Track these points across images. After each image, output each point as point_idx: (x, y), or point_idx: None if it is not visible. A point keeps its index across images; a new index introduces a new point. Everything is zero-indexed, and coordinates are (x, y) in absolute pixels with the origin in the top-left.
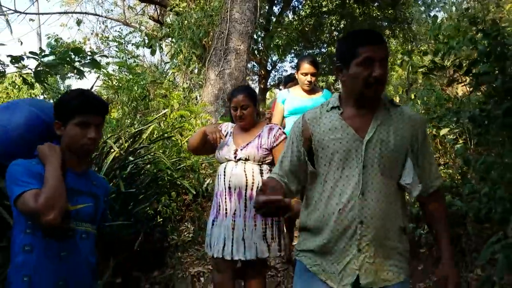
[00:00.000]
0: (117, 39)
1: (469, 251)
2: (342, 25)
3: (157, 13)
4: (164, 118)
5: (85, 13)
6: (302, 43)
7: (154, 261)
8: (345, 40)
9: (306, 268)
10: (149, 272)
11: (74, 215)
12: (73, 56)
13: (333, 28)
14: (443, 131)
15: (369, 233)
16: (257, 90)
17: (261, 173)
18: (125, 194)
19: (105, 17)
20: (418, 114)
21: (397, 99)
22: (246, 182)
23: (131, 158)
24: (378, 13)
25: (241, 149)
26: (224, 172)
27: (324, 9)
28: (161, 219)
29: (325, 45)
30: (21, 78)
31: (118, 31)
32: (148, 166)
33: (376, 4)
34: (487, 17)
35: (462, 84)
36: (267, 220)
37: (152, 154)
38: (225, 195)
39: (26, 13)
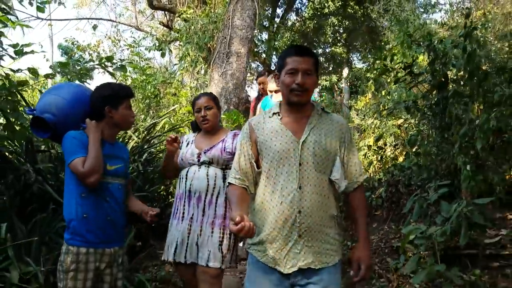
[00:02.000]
0: (132, 44)
1: (402, 206)
2: (344, 26)
3: (167, 18)
4: (174, 113)
5: (100, 18)
6: (305, 43)
7: (167, 232)
8: (282, 53)
9: (257, 260)
10: (162, 241)
11: (113, 173)
12: (106, 62)
13: (335, 28)
14: (393, 122)
15: (307, 221)
16: None
17: (224, 178)
18: (144, 175)
19: (119, 22)
20: (344, 120)
21: (369, 95)
22: (207, 187)
23: (146, 147)
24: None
25: (205, 152)
26: (186, 175)
27: (326, 10)
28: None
29: (327, 46)
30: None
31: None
32: (160, 154)
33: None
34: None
35: (407, 82)
36: (225, 229)
37: (164, 143)
38: (185, 198)
39: (48, 19)
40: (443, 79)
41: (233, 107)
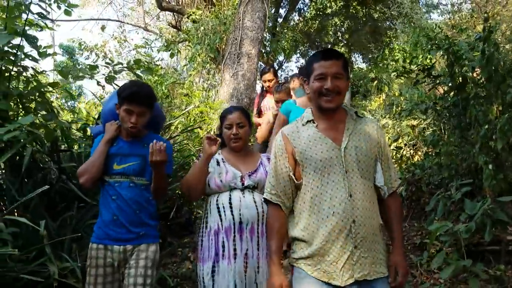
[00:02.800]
0: (141, 45)
1: (424, 204)
2: (346, 26)
3: (175, 19)
4: (188, 114)
5: (108, 19)
6: (307, 43)
7: (183, 230)
8: (309, 58)
9: (307, 274)
10: (180, 238)
11: (121, 172)
12: (134, 65)
13: (337, 28)
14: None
15: (361, 230)
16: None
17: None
18: None
19: (127, 23)
20: (378, 123)
21: (383, 95)
22: (258, 215)
23: None
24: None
25: (249, 175)
26: (230, 203)
27: (329, 10)
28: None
29: (329, 46)
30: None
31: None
32: (175, 154)
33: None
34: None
35: (425, 84)
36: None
37: (178, 143)
38: (234, 232)
39: (57, 20)
40: (461, 81)
41: (245, 107)
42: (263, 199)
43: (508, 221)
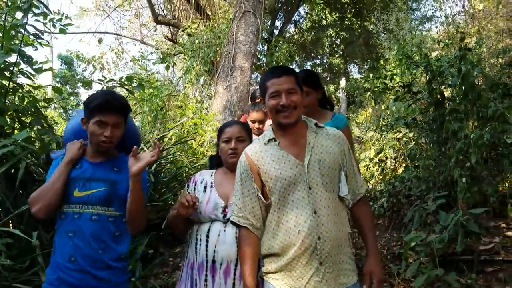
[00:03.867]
0: (137, 58)
1: (404, 215)
2: (341, 38)
3: (171, 33)
4: (181, 126)
5: (106, 32)
6: (303, 54)
7: (175, 241)
8: (261, 79)
9: None
10: (172, 248)
11: (82, 200)
12: (125, 81)
13: (332, 40)
14: (392, 135)
15: (327, 246)
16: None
17: None
18: (154, 185)
19: (124, 36)
20: (339, 131)
21: (369, 109)
22: (237, 255)
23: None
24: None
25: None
26: (207, 236)
27: (324, 22)
28: None
29: (325, 57)
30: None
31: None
32: (169, 165)
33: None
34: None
35: (406, 100)
36: None
37: (171, 154)
38: (206, 270)
39: (54, 33)
40: (439, 97)
41: (238, 119)
42: (230, 222)
43: (481, 232)
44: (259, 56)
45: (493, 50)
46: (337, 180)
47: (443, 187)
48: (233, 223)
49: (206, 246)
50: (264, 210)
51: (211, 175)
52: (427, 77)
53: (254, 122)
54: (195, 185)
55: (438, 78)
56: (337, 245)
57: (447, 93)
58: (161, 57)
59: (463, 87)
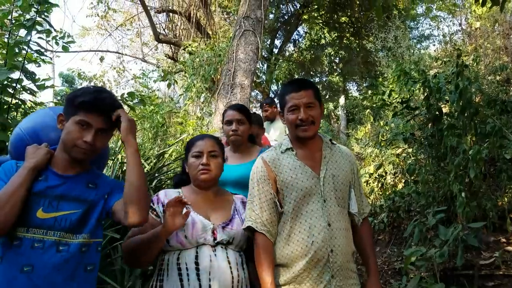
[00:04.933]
0: (139, 76)
1: (404, 230)
2: (340, 56)
3: (172, 51)
4: (181, 142)
5: (107, 51)
6: (302, 72)
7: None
8: (280, 91)
9: None
10: None
11: (50, 224)
12: (127, 97)
13: (331, 59)
14: (391, 151)
15: (338, 259)
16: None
17: (242, 265)
18: None
19: (126, 54)
20: (350, 151)
21: (368, 125)
22: (232, 281)
23: (156, 175)
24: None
25: (223, 227)
26: (197, 264)
27: (323, 41)
28: None
29: (324, 75)
30: None
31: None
32: (169, 181)
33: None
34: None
35: (404, 115)
36: None
37: (172, 171)
38: None
39: (56, 51)
40: (437, 113)
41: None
42: (246, 227)
43: (480, 246)
44: (259, 73)
45: (490, 68)
46: (347, 197)
47: (442, 202)
48: (249, 228)
49: (198, 275)
50: (278, 218)
51: (179, 192)
52: (425, 93)
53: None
54: (162, 206)
55: (436, 94)
56: (346, 260)
57: (445, 109)
58: (162, 74)
59: (461, 103)
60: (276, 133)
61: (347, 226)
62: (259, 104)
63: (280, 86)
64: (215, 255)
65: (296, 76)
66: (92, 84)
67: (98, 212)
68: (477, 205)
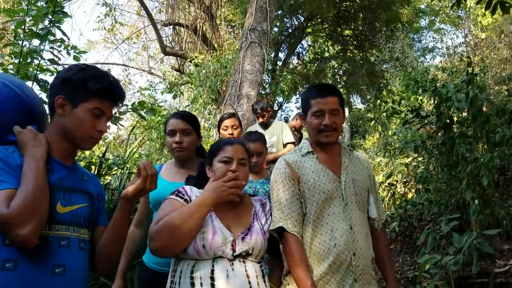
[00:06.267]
0: (145, 87)
1: (417, 239)
2: (343, 69)
3: (178, 63)
4: None
5: (114, 63)
6: (306, 85)
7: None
8: (306, 90)
9: None
10: None
11: (68, 220)
12: (138, 106)
13: (335, 71)
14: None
15: (361, 263)
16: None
17: (263, 277)
18: None
19: (132, 67)
20: (367, 157)
21: (377, 135)
22: None
23: None
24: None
25: (243, 237)
26: (212, 278)
27: (326, 54)
28: None
29: None
30: None
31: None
32: None
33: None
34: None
35: (415, 124)
36: None
37: None
38: None
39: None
40: (448, 121)
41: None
42: (277, 228)
43: (495, 254)
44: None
45: (497, 78)
46: (366, 202)
47: (455, 210)
48: (280, 229)
49: None
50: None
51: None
52: (435, 101)
53: (253, 155)
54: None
55: (446, 102)
56: (367, 264)
57: (455, 117)
58: (169, 86)
59: (471, 111)
60: (272, 139)
61: (367, 230)
62: (252, 108)
63: (284, 98)
64: (233, 269)
65: (300, 89)
66: None
67: (97, 210)
68: (490, 213)
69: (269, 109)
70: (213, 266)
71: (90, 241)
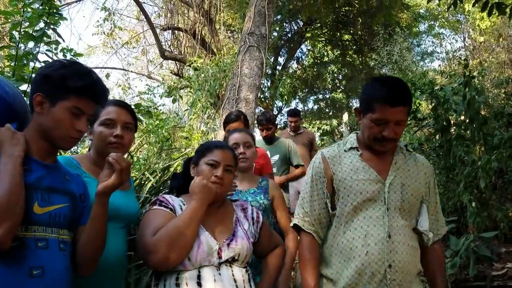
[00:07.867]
0: (144, 91)
1: None
2: (343, 74)
3: (177, 67)
4: (186, 156)
5: (113, 68)
6: (305, 89)
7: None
8: (371, 86)
9: None
10: None
11: (46, 220)
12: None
13: (334, 76)
14: None
15: (398, 277)
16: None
17: (250, 281)
18: None
19: (131, 71)
20: (428, 162)
21: None
22: None
23: (161, 188)
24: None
25: (228, 244)
26: (199, 285)
27: (326, 59)
28: None
29: (327, 92)
30: None
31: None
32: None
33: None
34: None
35: (412, 126)
36: None
37: None
38: None
39: None
40: (445, 124)
41: None
42: (292, 225)
43: (492, 257)
44: (263, 89)
45: (496, 81)
46: (416, 211)
47: (452, 213)
48: (295, 226)
49: None
50: (328, 220)
51: (180, 203)
52: (432, 103)
53: (238, 144)
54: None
55: (444, 105)
56: (409, 279)
57: (452, 120)
58: (168, 90)
59: (469, 113)
60: (274, 157)
61: (413, 243)
62: (256, 121)
63: (284, 102)
64: (220, 274)
65: (300, 93)
66: None
67: (80, 209)
68: (488, 216)
69: (276, 122)
70: (199, 272)
71: (73, 242)
